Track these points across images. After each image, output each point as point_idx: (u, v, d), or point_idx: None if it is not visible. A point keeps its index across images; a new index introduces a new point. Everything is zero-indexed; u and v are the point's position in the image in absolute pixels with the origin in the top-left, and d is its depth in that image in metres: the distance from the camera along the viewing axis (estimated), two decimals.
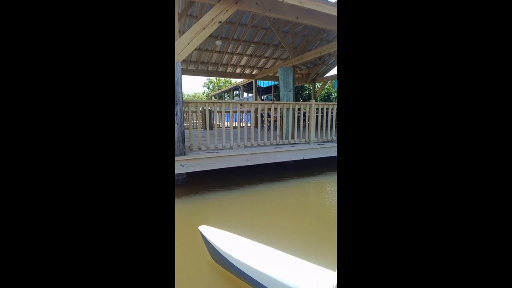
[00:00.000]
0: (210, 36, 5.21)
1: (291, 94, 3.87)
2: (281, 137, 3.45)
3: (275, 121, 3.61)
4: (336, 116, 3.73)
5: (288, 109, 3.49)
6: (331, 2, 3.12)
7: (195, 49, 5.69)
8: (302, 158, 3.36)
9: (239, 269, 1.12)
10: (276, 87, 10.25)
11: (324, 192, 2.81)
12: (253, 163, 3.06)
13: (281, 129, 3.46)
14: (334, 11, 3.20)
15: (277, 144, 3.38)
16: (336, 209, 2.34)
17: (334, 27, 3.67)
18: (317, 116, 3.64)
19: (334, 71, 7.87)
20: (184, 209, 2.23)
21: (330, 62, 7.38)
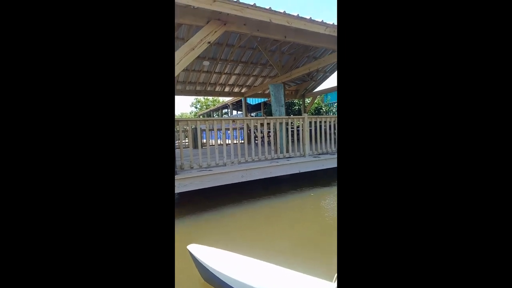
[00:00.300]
0: (198, 57, 5.31)
1: (283, 109, 3.92)
2: (276, 152, 3.42)
3: (269, 136, 3.60)
4: (329, 129, 3.77)
5: (281, 123, 3.50)
6: (318, 21, 3.28)
7: (182, 70, 5.77)
8: (298, 172, 3.32)
9: (229, 285, 1.07)
10: (266, 104, 10.43)
11: (323, 204, 2.74)
12: (248, 179, 2.97)
13: (275, 143, 3.44)
14: (321, 29, 3.36)
15: (272, 159, 3.33)
16: (335, 221, 2.27)
17: (321, 44, 3.83)
18: (310, 130, 3.67)
19: (322, 86, 8.15)
20: (178, 231, 2.08)
21: (318, 78, 7.66)
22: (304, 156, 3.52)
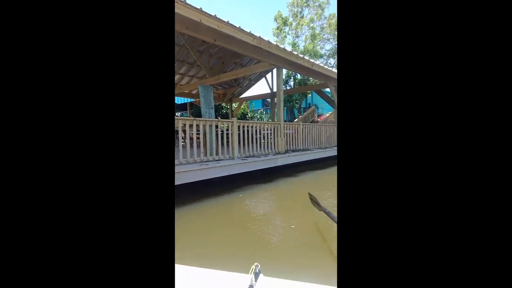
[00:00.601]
0: None
1: (212, 112, 3.90)
2: (205, 154, 3.36)
3: (198, 138, 3.50)
4: (255, 133, 4.03)
5: (211, 126, 3.48)
6: (246, 31, 3.48)
7: None
8: (228, 174, 3.37)
9: None
10: (192, 104, 10.04)
11: (251, 204, 2.90)
12: (176, 183, 2.79)
13: (205, 146, 3.38)
14: (249, 40, 3.57)
15: (202, 162, 3.25)
16: (260, 220, 2.46)
17: (248, 54, 4.07)
18: (238, 134, 3.81)
19: (248, 93, 8.58)
20: None
21: (244, 85, 8.04)
22: (233, 159, 3.62)
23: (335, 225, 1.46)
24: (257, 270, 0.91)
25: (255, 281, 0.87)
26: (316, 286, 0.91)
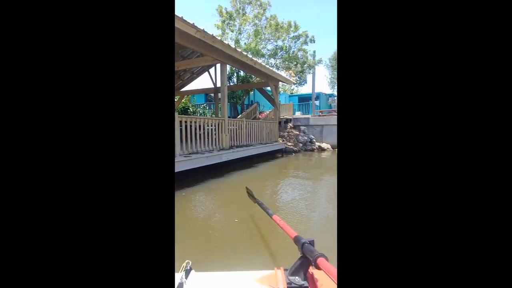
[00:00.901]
0: None
1: None
2: None
3: None
4: (199, 129, 3.94)
5: None
6: (189, 23, 3.33)
7: None
8: None
9: None
10: None
11: (194, 202, 2.86)
12: None
13: None
14: (192, 32, 3.44)
15: None
16: (208, 219, 2.48)
17: (191, 46, 3.91)
18: (180, 129, 3.65)
19: (189, 87, 8.20)
20: None
21: (186, 78, 7.64)
22: (175, 156, 3.45)
23: (266, 216, 1.60)
24: (188, 267, 0.89)
25: (186, 278, 0.85)
26: (245, 273, 0.92)
